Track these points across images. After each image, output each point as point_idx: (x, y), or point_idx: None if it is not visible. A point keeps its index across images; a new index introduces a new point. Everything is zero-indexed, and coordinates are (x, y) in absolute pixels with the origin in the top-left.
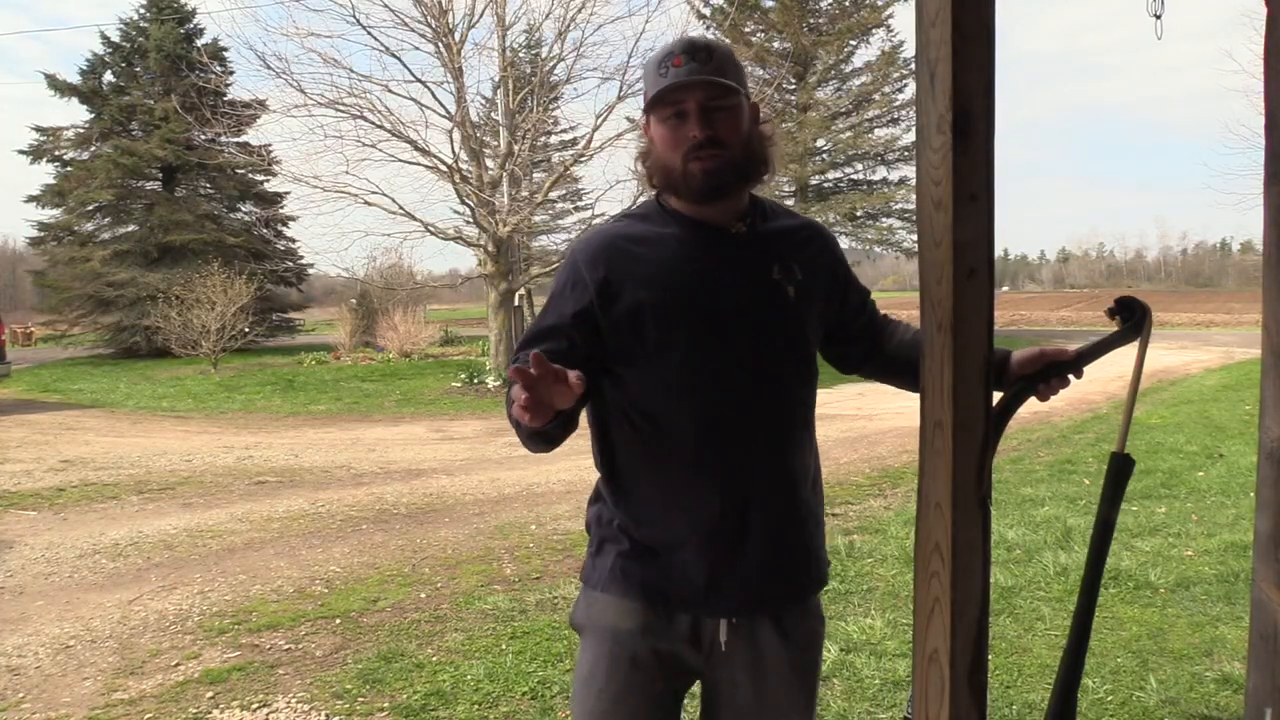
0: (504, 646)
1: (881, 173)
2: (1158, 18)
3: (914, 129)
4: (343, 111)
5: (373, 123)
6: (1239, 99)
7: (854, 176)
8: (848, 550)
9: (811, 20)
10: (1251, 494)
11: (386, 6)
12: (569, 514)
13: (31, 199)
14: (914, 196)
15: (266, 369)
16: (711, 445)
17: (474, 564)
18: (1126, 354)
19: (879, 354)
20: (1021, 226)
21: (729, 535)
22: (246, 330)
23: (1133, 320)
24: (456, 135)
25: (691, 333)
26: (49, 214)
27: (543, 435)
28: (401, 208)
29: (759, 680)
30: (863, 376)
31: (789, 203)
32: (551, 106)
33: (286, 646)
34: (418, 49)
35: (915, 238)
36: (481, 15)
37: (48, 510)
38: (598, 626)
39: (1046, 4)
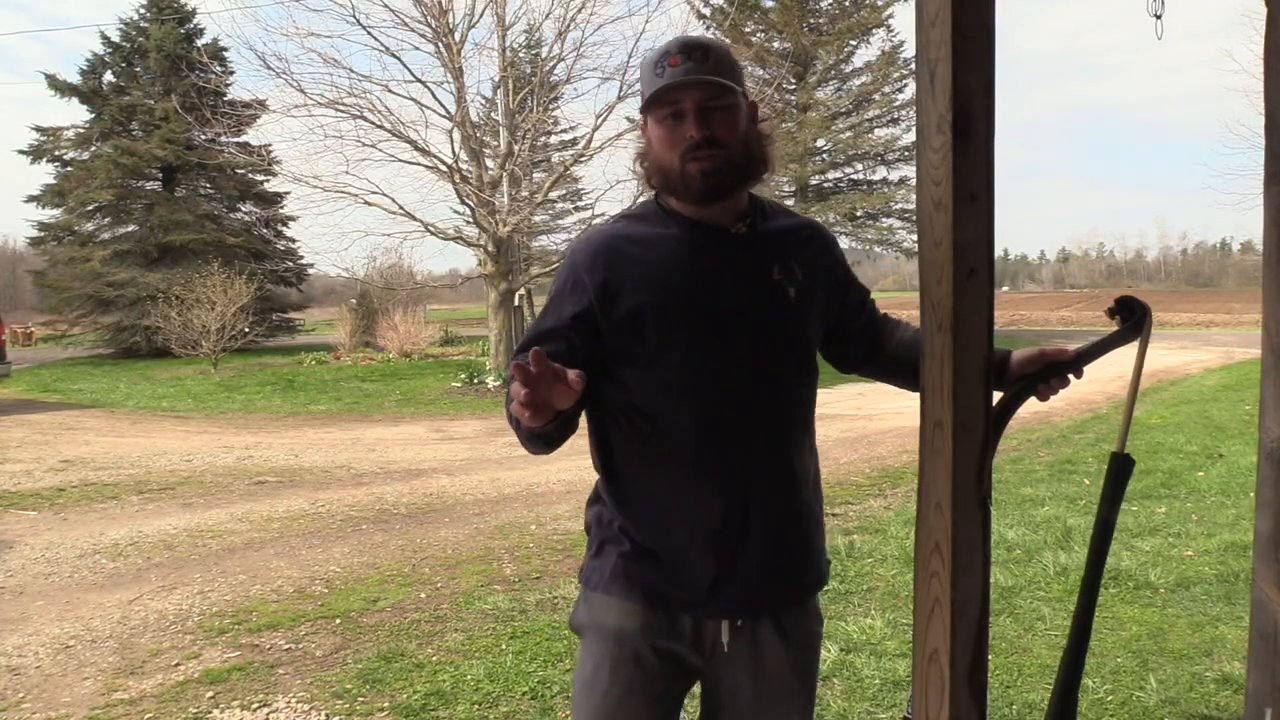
0: (504, 646)
1: (881, 173)
2: (1158, 18)
3: (914, 129)
4: (343, 111)
5: (373, 123)
6: (1239, 99)
7: (854, 176)
8: (848, 550)
9: (811, 20)
10: (1251, 494)
11: (386, 6)
12: (569, 514)
13: (31, 199)
14: (914, 196)
15: (266, 369)
16: (712, 446)
17: (474, 564)
18: (1127, 354)
19: (879, 354)
20: (1021, 226)
21: (730, 536)
22: (246, 330)
23: (1133, 320)
24: (456, 135)
25: (692, 333)
26: (49, 214)
27: (542, 436)
28: (401, 208)
29: (759, 681)
30: (862, 376)
31: (789, 203)
32: (551, 106)
33: (286, 646)
34: (418, 49)
35: (915, 238)
36: (481, 15)
37: (48, 510)
38: (599, 628)
39: (1046, 4)
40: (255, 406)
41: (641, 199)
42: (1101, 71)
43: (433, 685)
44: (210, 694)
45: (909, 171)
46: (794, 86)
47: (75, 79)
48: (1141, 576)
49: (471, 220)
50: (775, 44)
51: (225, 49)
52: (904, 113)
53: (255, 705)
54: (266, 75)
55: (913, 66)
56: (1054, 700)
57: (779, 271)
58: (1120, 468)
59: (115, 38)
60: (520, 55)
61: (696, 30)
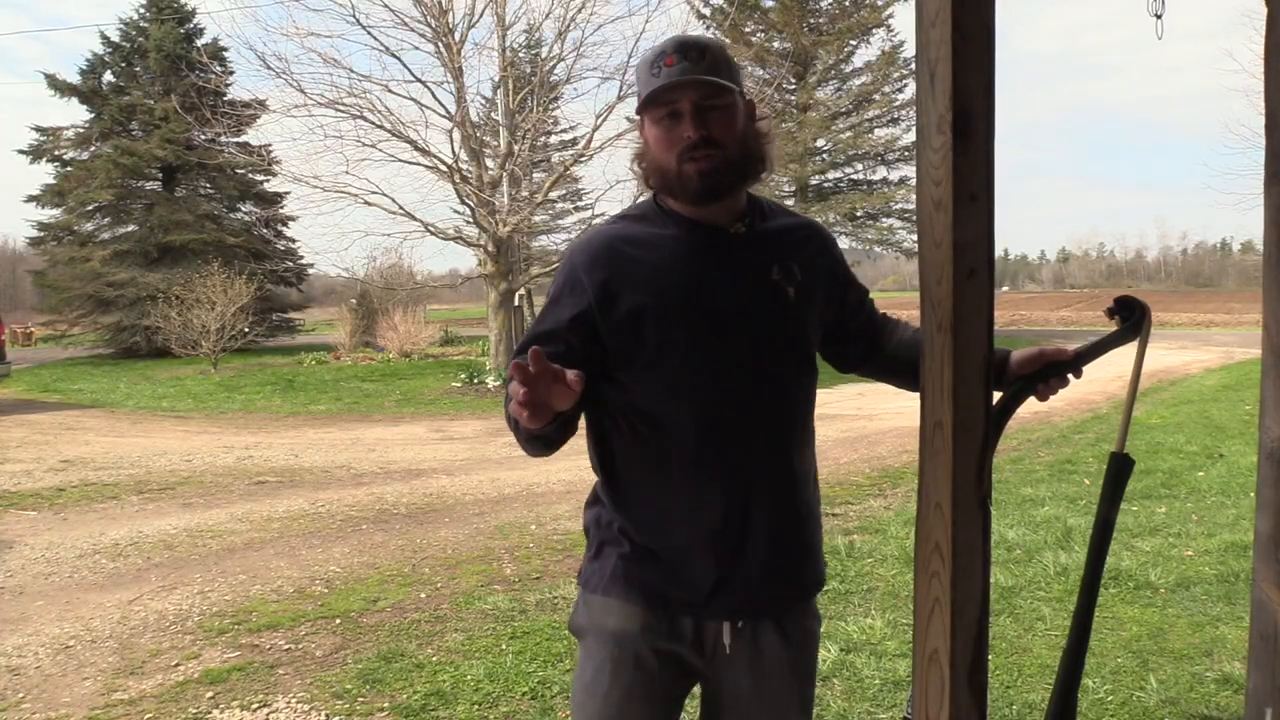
0: (504, 646)
1: (881, 173)
2: (1158, 17)
3: (914, 129)
4: (343, 111)
5: (373, 123)
6: (1239, 99)
7: (854, 176)
8: (848, 550)
9: (811, 20)
10: (1251, 494)
11: (386, 6)
12: (569, 514)
13: (31, 199)
14: (914, 196)
15: (266, 369)
16: (712, 446)
17: (474, 564)
18: (1126, 354)
19: (878, 353)
20: (1021, 226)
21: (731, 536)
22: (246, 330)
23: (1132, 320)
24: (456, 135)
25: (692, 334)
26: (49, 214)
27: (541, 438)
28: (401, 208)
29: (760, 682)
30: (861, 376)
31: (789, 203)
32: (551, 106)
33: (286, 646)
34: (418, 49)
35: (915, 238)
36: (481, 15)
37: (48, 510)
38: (600, 631)
39: (1046, 4)
40: (255, 406)
41: (640, 199)
42: (1101, 71)
43: (433, 685)
44: (210, 694)
45: (909, 171)
46: (794, 86)
47: (75, 79)
48: (1141, 576)
49: (471, 220)
50: (775, 44)
51: (225, 49)
52: (904, 113)
53: (255, 705)
54: (266, 75)
55: (913, 66)
56: (1054, 700)
57: (778, 271)
58: (1120, 468)
59: (115, 38)
60: (520, 55)
61: (696, 30)
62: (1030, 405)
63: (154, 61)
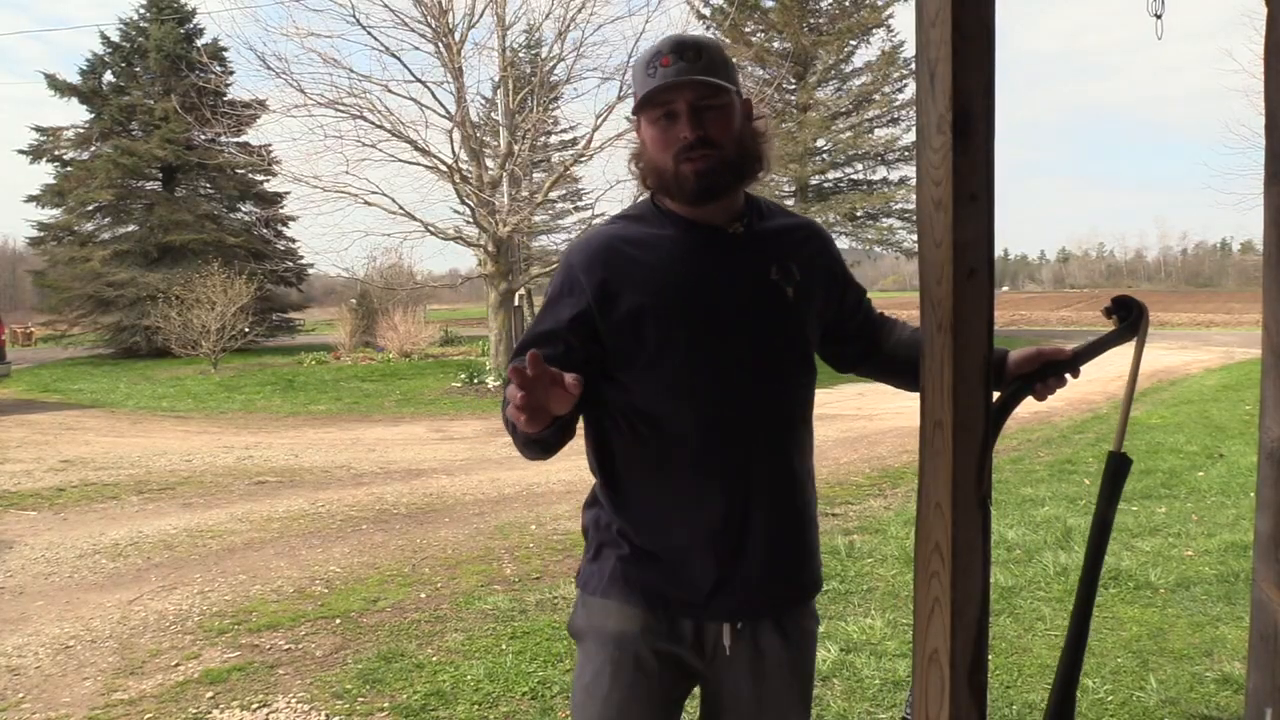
0: (504, 646)
1: (881, 173)
2: (1158, 17)
3: (914, 129)
4: (343, 111)
5: (373, 123)
6: (1239, 99)
7: (854, 176)
8: (848, 550)
9: (811, 20)
10: (1251, 494)
11: (386, 6)
12: (569, 514)
13: (31, 199)
14: (914, 196)
15: (266, 369)
16: (713, 446)
17: (474, 564)
18: (1127, 354)
19: (876, 353)
20: (1021, 226)
21: (732, 537)
22: (246, 330)
23: (1129, 320)
24: (456, 135)
25: (691, 334)
26: (49, 214)
27: (539, 442)
28: (401, 208)
29: (760, 683)
30: (859, 375)
31: (789, 203)
32: (551, 106)
33: (286, 646)
34: (418, 49)
35: (915, 238)
36: (481, 15)
37: (48, 510)
38: (599, 633)
39: (1046, 4)
40: (255, 406)
41: (639, 199)
42: (1101, 71)
43: (433, 685)
44: (210, 694)
45: (909, 171)
46: (794, 86)
47: (75, 79)
48: (1141, 576)
49: (471, 220)
50: (775, 44)
51: (225, 49)
52: (904, 113)
53: (255, 705)
54: (266, 75)
55: (913, 66)
56: (1053, 698)
57: (777, 271)
58: (1118, 467)
59: (115, 38)
60: (520, 55)
61: (696, 30)
62: (1030, 405)
63: (154, 61)
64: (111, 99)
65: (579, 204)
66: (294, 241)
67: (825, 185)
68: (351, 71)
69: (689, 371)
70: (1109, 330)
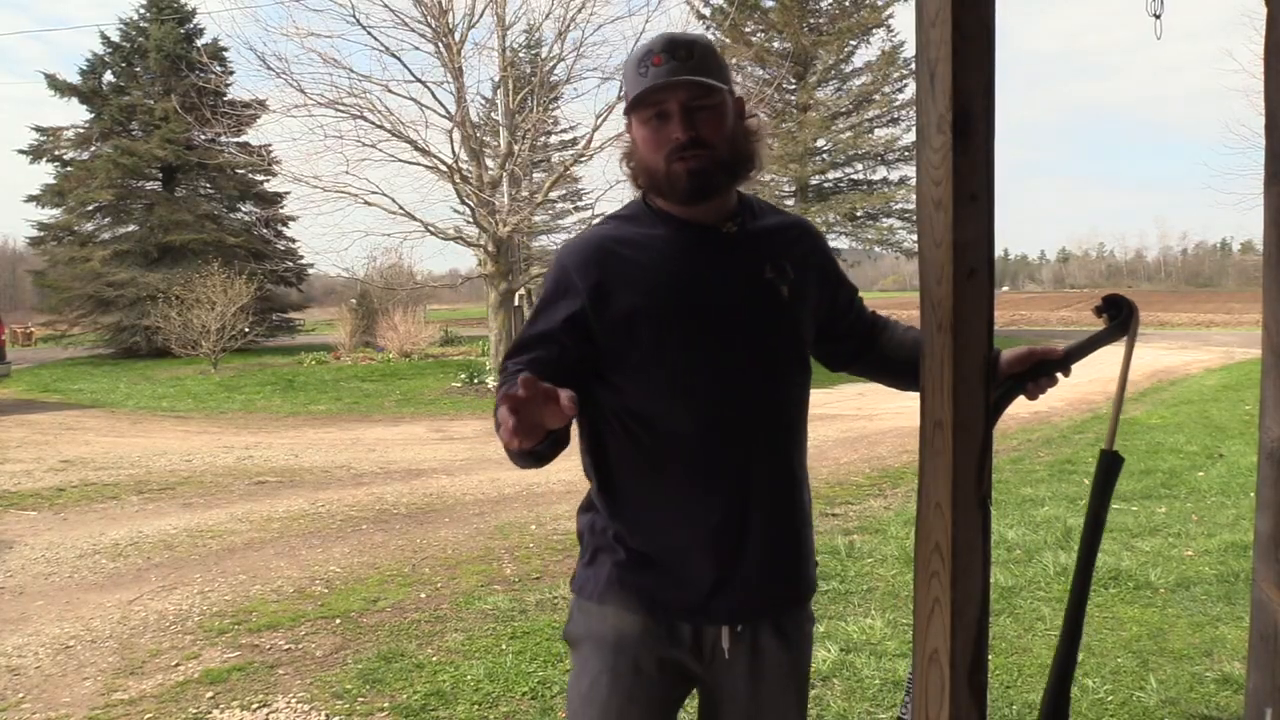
0: (504, 646)
1: (881, 173)
2: (1157, 17)
3: (914, 129)
4: (343, 111)
5: (373, 123)
6: (1239, 99)
7: (854, 176)
8: (848, 550)
9: (811, 20)
10: (1251, 494)
11: (386, 6)
12: (569, 514)
13: (31, 199)
14: (914, 196)
15: (266, 369)
16: (711, 447)
17: (474, 564)
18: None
19: (869, 352)
20: (1021, 226)
21: (731, 537)
22: (246, 330)
23: (1120, 318)
24: (456, 135)
25: (687, 334)
26: (49, 214)
27: (533, 454)
28: (401, 208)
29: (758, 685)
30: (852, 374)
31: (789, 203)
32: (551, 106)
33: (286, 646)
34: (418, 49)
35: (915, 238)
36: (481, 15)
37: (48, 510)
38: (596, 639)
39: (1046, 4)
40: (255, 406)
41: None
42: (1101, 71)
43: (433, 685)
44: (210, 694)
45: (909, 171)
46: (794, 86)
47: (75, 79)
48: (1141, 576)
49: (471, 220)
50: (775, 44)
51: (225, 49)
52: (904, 113)
53: (255, 705)
54: (266, 75)
55: (913, 66)
56: (1047, 696)
57: (771, 270)
58: (1109, 465)
59: (115, 38)
60: (520, 55)
61: (697, 30)
62: (1031, 405)
63: (154, 61)
64: (111, 99)
65: (579, 204)
66: (294, 241)
67: (825, 185)
68: (351, 71)
69: (686, 372)
70: (1100, 329)
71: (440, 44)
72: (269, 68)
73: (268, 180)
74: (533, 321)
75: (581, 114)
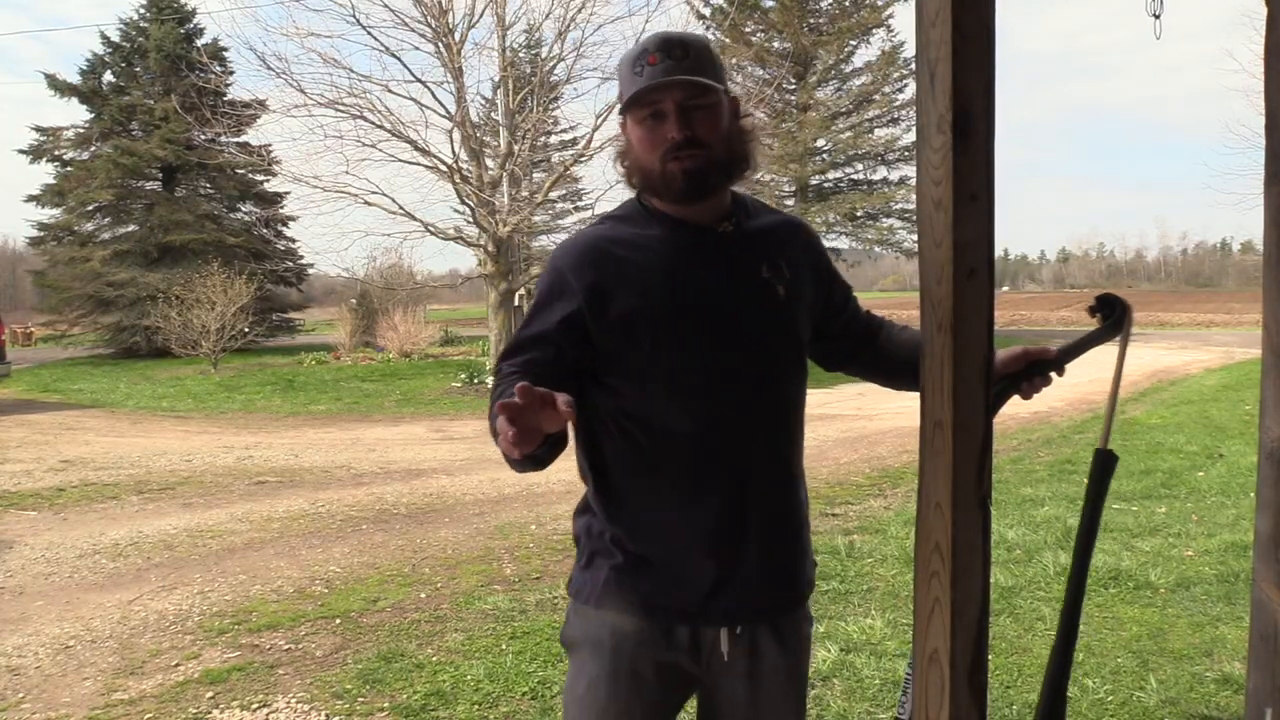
0: (504, 646)
1: (881, 173)
2: (1156, 17)
3: (914, 129)
4: (343, 111)
5: (373, 123)
6: (1239, 99)
7: (854, 176)
8: (848, 550)
9: (811, 20)
10: (1251, 494)
11: (386, 6)
12: (569, 514)
13: (31, 199)
14: (914, 196)
15: (266, 369)
16: (710, 448)
17: (474, 564)
18: (1127, 352)
19: (864, 352)
20: (1021, 226)
21: (730, 539)
22: (246, 330)
23: (1113, 318)
24: (456, 135)
25: (686, 335)
26: (49, 214)
27: (532, 459)
28: (401, 208)
29: (757, 688)
30: (846, 374)
31: (789, 203)
32: (551, 106)
33: (286, 646)
34: (418, 49)
35: (915, 238)
36: (481, 15)
37: (48, 510)
38: (594, 643)
39: (1046, 4)
40: (255, 406)
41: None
42: (1101, 71)
43: (433, 685)
44: (210, 694)
45: (909, 171)
46: (794, 86)
47: (75, 79)
48: (1141, 576)
49: (471, 220)
50: (775, 44)
51: (225, 49)
52: (904, 113)
53: (255, 705)
54: (266, 75)
55: (913, 66)
56: (1044, 696)
57: (767, 270)
58: (1104, 464)
59: (115, 38)
60: (520, 55)
61: (697, 31)
62: (1031, 405)
63: (154, 61)
64: (111, 99)
65: (579, 204)
66: (294, 241)
67: (825, 185)
68: (351, 71)
69: (684, 372)
70: (1093, 329)
71: (440, 44)
72: (269, 68)
73: (268, 180)
74: (528, 323)
75: (581, 114)
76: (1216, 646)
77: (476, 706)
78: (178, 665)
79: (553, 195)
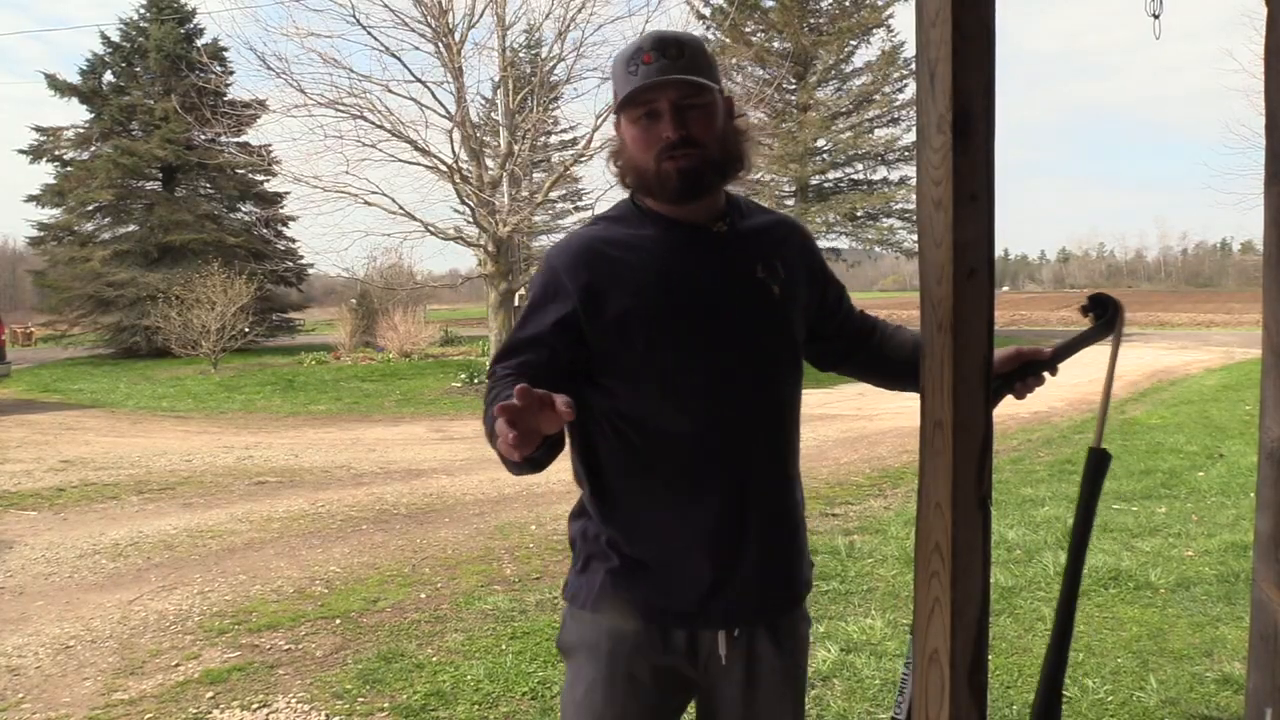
0: (504, 646)
1: (881, 173)
2: (1156, 17)
3: (914, 129)
4: (343, 111)
5: (373, 123)
6: (1239, 99)
7: (854, 176)
8: (848, 550)
9: (811, 20)
10: (1251, 494)
11: (386, 6)
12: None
13: (31, 199)
14: (914, 196)
15: (266, 369)
16: (709, 448)
17: (474, 564)
18: (1127, 352)
19: (858, 352)
20: (1021, 226)
21: (728, 540)
22: (246, 330)
23: (1105, 317)
24: (456, 135)
25: (682, 335)
26: (49, 214)
27: (530, 462)
28: (401, 208)
29: (755, 691)
30: (840, 374)
31: (789, 203)
32: (551, 106)
33: (286, 646)
34: (418, 49)
35: (915, 238)
36: (481, 15)
37: (48, 510)
38: (590, 648)
39: (1046, 4)
40: (255, 406)
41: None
42: (1101, 71)
43: (433, 685)
44: (210, 694)
45: (909, 171)
46: (794, 86)
47: (75, 79)
48: (1141, 576)
49: (471, 220)
50: (775, 44)
51: (225, 49)
52: (904, 113)
53: (255, 705)
54: (266, 75)
55: (913, 66)
56: (1039, 696)
57: (762, 270)
58: (1098, 462)
59: (115, 38)
60: (520, 55)
61: (697, 31)
62: (1031, 405)
63: (154, 61)
64: (111, 99)
65: (579, 204)
66: (294, 241)
67: (825, 185)
68: (351, 71)
69: (680, 372)
70: (1086, 328)
71: (440, 44)
72: (269, 68)
73: (268, 180)
74: (521, 325)
75: (581, 114)
76: (1216, 646)
77: (476, 706)
78: (178, 665)
79: (553, 195)
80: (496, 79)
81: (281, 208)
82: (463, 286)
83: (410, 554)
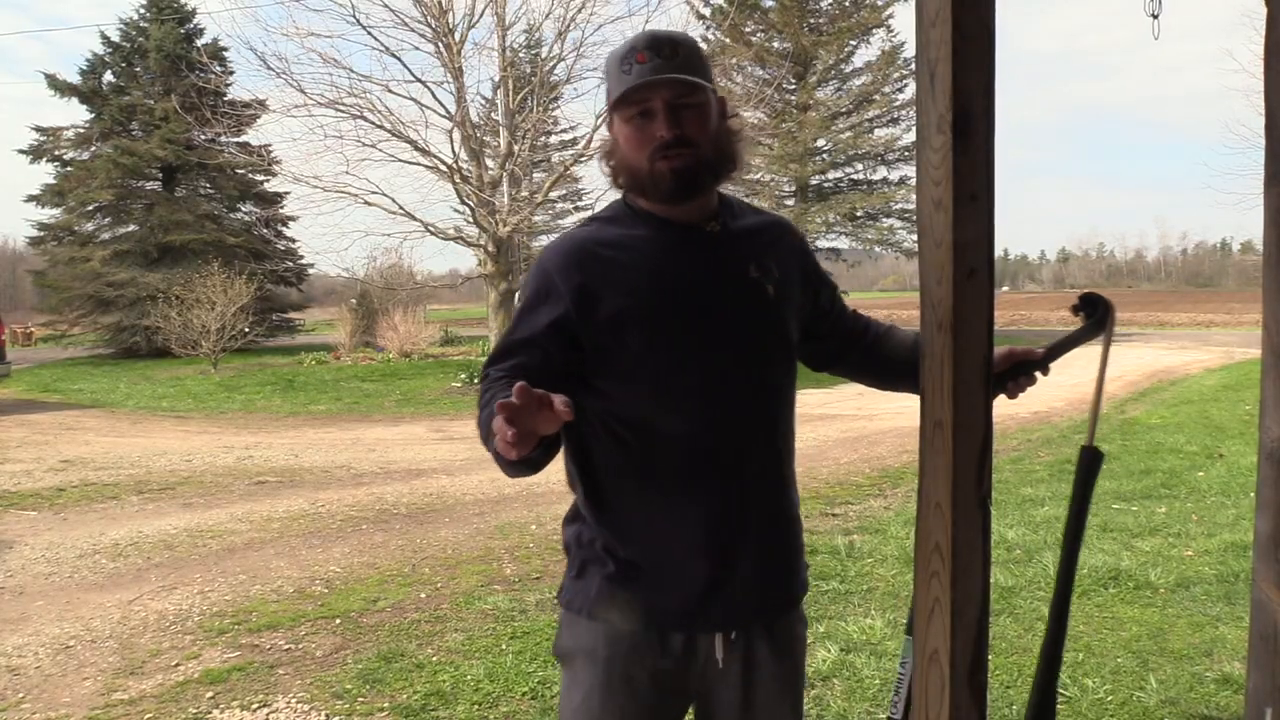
0: (504, 646)
1: (881, 173)
2: (1155, 17)
3: (914, 129)
4: (343, 111)
5: (373, 123)
6: (1239, 99)
7: (854, 176)
8: (848, 550)
9: (811, 20)
10: (1251, 494)
11: (386, 6)
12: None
13: (31, 199)
14: (914, 196)
15: (266, 369)
16: (705, 449)
17: (474, 564)
18: (1126, 353)
19: (852, 352)
20: (1021, 226)
21: (726, 541)
22: (246, 330)
23: (1096, 316)
24: (456, 135)
25: (677, 336)
26: (49, 214)
27: (527, 463)
28: (401, 208)
29: (753, 693)
30: (834, 374)
31: (789, 203)
32: (551, 106)
33: (286, 646)
34: (418, 49)
35: (915, 238)
36: (481, 15)
37: (48, 510)
38: (587, 653)
39: (1046, 4)
40: (255, 406)
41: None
42: (1101, 71)
43: (433, 685)
44: (210, 694)
45: (909, 171)
46: (794, 86)
47: (75, 79)
48: (1141, 576)
49: (471, 220)
50: (775, 44)
51: (225, 49)
52: (904, 113)
53: (255, 705)
54: (266, 75)
55: (913, 66)
56: (1033, 696)
57: (756, 269)
58: (1090, 461)
59: (115, 38)
60: (520, 55)
61: (697, 31)
62: (1031, 405)
63: (154, 61)
64: (111, 99)
65: (579, 204)
66: (294, 241)
67: (825, 185)
68: (351, 71)
69: (675, 373)
70: (1076, 328)
71: (440, 44)
72: (269, 68)
73: (268, 180)
74: (514, 327)
75: (581, 114)
76: (1216, 646)
77: (476, 706)
78: (178, 665)
79: (553, 195)
80: (496, 79)
81: (281, 208)
82: (463, 286)
83: (410, 554)
